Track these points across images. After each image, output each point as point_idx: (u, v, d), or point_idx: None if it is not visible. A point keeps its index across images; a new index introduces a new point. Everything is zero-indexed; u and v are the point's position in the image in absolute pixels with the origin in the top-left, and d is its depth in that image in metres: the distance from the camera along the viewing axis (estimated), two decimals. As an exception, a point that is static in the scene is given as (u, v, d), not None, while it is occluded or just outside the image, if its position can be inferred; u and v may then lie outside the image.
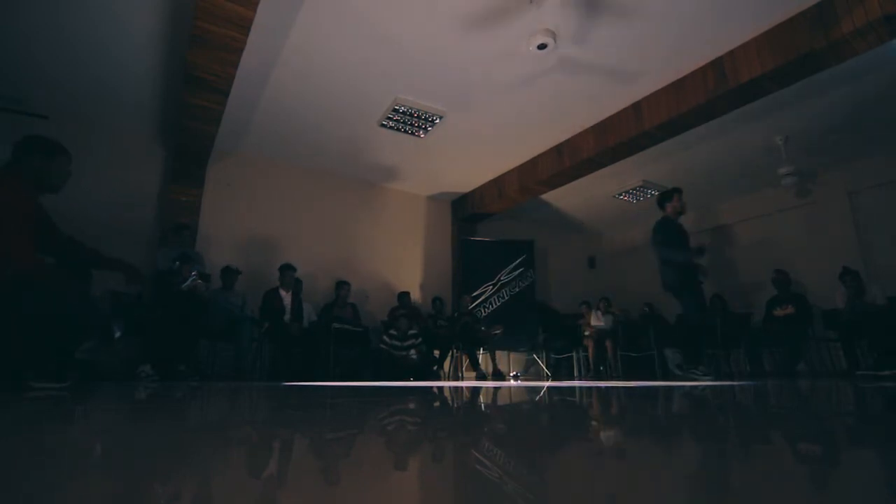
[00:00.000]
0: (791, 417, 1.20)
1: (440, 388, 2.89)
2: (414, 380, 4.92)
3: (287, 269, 5.04)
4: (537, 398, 1.99)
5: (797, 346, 5.09)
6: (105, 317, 2.86)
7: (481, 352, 6.09)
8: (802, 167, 5.66)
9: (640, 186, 6.68)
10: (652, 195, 6.97)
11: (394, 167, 6.30)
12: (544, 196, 6.65)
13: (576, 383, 3.72)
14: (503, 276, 6.92)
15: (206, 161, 5.25)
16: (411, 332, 5.47)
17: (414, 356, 5.39)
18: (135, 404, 1.59)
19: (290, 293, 5.01)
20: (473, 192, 7.02)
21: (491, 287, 6.87)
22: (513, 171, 6.28)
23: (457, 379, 5.77)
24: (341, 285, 5.55)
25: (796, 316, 5.16)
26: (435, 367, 5.78)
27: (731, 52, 3.91)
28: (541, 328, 6.84)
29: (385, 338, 5.36)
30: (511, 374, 6.41)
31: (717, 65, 4.02)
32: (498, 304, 6.82)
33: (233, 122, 4.97)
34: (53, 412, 1.29)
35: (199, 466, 0.60)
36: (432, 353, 5.82)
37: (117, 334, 3.55)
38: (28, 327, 1.95)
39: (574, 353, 6.90)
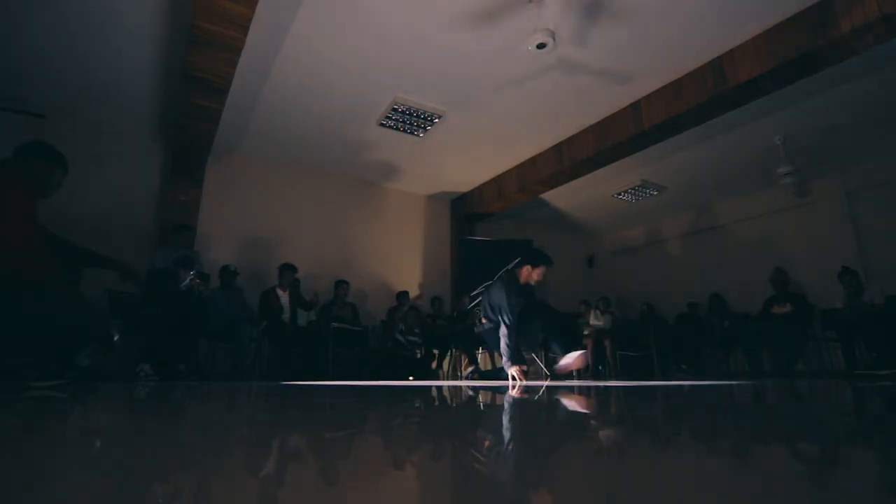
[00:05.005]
0: (784, 417, 1.20)
1: (439, 388, 2.90)
2: (414, 379, 4.92)
3: (286, 268, 5.04)
4: (535, 397, 2.00)
5: (796, 346, 5.09)
6: (103, 322, 2.86)
7: (480, 351, 6.10)
8: (801, 167, 5.66)
9: (639, 186, 6.69)
10: (651, 195, 6.99)
11: (393, 166, 6.30)
12: (543, 195, 6.66)
13: (574, 383, 3.72)
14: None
15: (206, 160, 5.25)
16: (416, 330, 5.52)
17: (419, 355, 5.44)
18: (134, 404, 1.59)
19: (287, 293, 5.01)
20: (473, 191, 7.03)
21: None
22: (512, 170, 6.28)
23: (456, 378, 5.78)
24: (340, 284, 5.55)
25: (794, 315, 5.16)
26: (434, 367, 5.78)
27: (730, 52, 3.92)
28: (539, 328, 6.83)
29: (398, 336, 5.40)
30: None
31: (715, 65, 4.02)
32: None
33: (232, 121, 4.97)
34: (52, 412, 1.29)
35: (196, 466, 0.60)
36: (431, 352, 5.82)
37: (115, 337, 3.55)
38: (27, 327, 1.95)
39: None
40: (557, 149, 5.61)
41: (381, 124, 5.15)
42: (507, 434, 0.94)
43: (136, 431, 0.93)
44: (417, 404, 1.61)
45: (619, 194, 7.00)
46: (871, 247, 5.70)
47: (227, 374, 4.47)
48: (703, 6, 3.50)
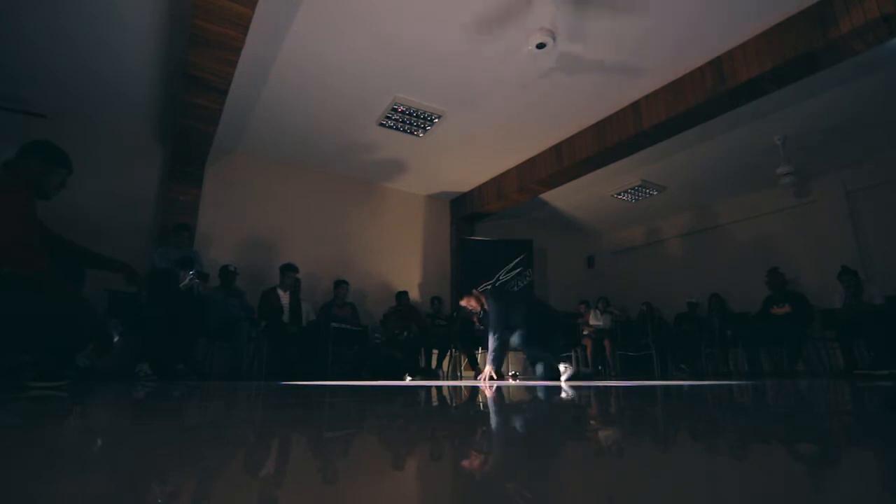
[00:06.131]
0: (785, 417, 1.20)
1: (438, 388, 2.90)
2: (412, 379, 4.92)
3: (288, 269, 5.02)
4: (535, 397, 2.00)
5: (797, 346, 5.06)
6: (103, 322, 2.86)
7: (480, 351, 6.10)
8: (801, 167, 5.66)
9: (639, 186, 6.69)
10: (650, 195, 6.98)
11: (393, 166, 6.30)
12: (543, 195, 6.66)
13: (574, 383, 3.72)
14: (502, 276, 6.93)
15: (205, 160, 5.24)
16: (397, 331, 5.55)
17: (399, 355, 5.47)
18: (133, 403, 1.59)
19: (287, 293, 5.00)
20: (472, 191, 7.02)
21: (490, 286, 6.87)
22: (512, 170, 6.28)
23: (456, 378, 5.78)
24: (340, 284, 5.54)
25: (794, 315, 5.14)
26: (434, 367, 5.78)
27: (730, 52, 3.92)
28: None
29: (378, 335, 5.47)
30: (510, 374, 6.41)
31: (715, 65, 4.02)
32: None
33: (231, 121, 4.96)
34: (51, 412, 1.29)
35: (194, 465, 0.60)
36: (430, 352, 5.83)
37: (116, 338, 3.54)
38: (26, 327, 1.95)
39: (573, 353, 6.91)
40: (557, 149, 5.61)
41: (381, 124, 5.15)
42: (506, 433, 0.94)
43: (136, 431, 0.93)
44: (415, 403, 1.61)
45: (619, 194, 7.00)
46: (871, 247, 5.69)
47: (225, 373, 4.47)
48: (702, 6, 3.50)
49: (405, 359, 5.52)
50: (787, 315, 5.14)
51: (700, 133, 4.99)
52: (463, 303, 4.40)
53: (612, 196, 7.07)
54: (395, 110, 4.86)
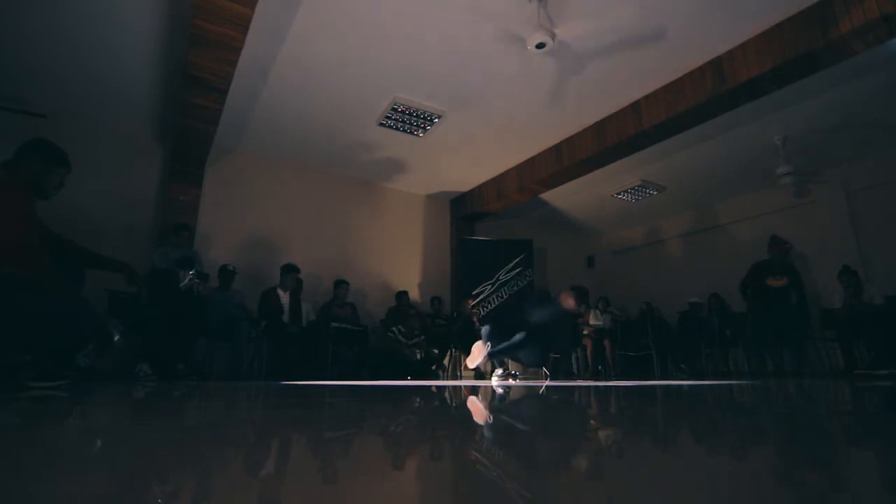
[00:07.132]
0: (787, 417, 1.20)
1: (439, 388, 2.90)
2: (412, 379, 4.92)
3: (289, 270, 5.01)
4: (535, 397, 2.00)
5: (800, 344, 5.00)
6: (103, 322, 2.86)
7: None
8: (801, 167, 5.66)
9: (639, 186, 6.69)
10: (650, 195, 6.98)
11: (393, 166, 6.30)
12: (543, 195, 6.66)
13: (573, 383, 3.73)
14: (502, 276, 6.93)
15: (205, 160, 5.24)
16: (416, 332, 5.54)
17: (418, 356, 5.45)
18: (133, 403, 1.59)
19: (287, 293, 5.00)
20: (472, 191, 7.02)
21: (490, 286, 6.88)
22: (511, 170, 6.28)
23: (456, 378, 5.78)
24: (340, 284, 5.54)
25: (788, 289, 4.83)
26: (434, 367, 5.78)
27: (730, 52, 3.92)
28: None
29: (394, 329, 5.45)
30: (509, 374, 6.41)
31: (715, 64, 4.02)
32: (497, 303, 6.83)
33: (231, 121, 4.97)
34: (51, 412, 1.29)
35: (194, 465, 0.60)
36: (432, 353, 5.83)
37: (116, 338, 3.54)
38: (26, 327, 1.95)
39: (573, 353, 6.91)
40: (557, 149, 5.61)
41: (381, 124, 5.15)
42: (507, 432, 0.94)
43: (136, 431, 0.93)
44: (416, 403, 1.61)
45: (619, 194, 7.00)
46: (871, 247, 5.69)
47: (226, 373, 4.47)
48: (702, 6, 3.50)
49: (439, 354, 5.61)
50: (784, 290, 4.81)
51: (700, 133, 4.99)
52: (565, 295, 4.31)
53: (612, 196, 7.07)
54: (395, 110, 4.87)
